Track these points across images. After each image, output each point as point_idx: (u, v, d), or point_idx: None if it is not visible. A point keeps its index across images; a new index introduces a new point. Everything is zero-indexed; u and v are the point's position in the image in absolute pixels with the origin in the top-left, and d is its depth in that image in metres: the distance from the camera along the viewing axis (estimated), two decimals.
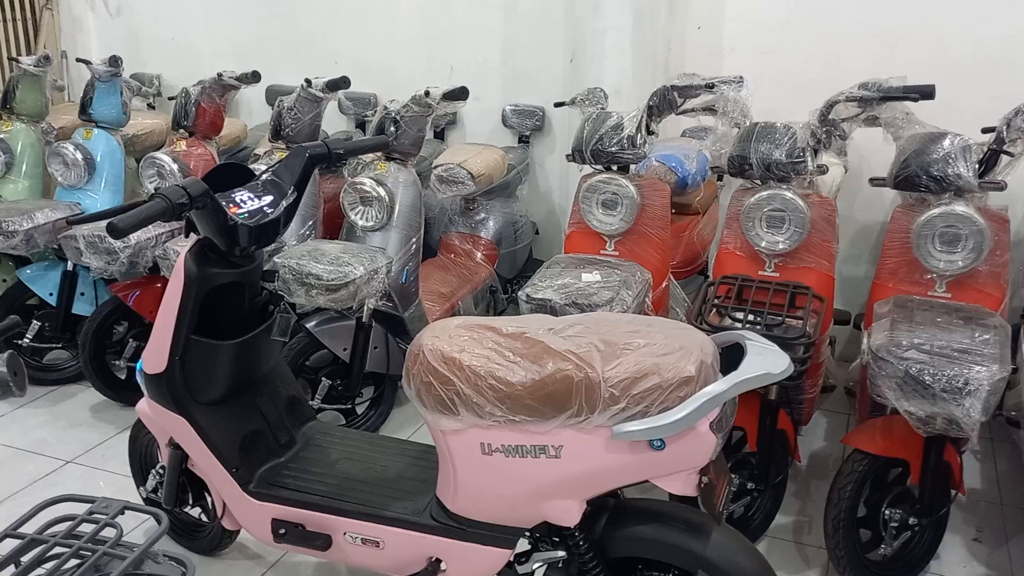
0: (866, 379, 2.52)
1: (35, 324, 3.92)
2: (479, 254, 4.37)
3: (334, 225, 3.94)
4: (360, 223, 3.52)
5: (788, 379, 1.96)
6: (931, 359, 2.36)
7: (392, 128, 3.51)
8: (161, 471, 2.66)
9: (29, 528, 1.49)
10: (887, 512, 2.65)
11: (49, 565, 1.44)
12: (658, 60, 4.27)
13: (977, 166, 2.77)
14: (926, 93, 2.81)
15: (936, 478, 2.61)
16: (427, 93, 3.54)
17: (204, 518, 2.79)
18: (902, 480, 2.71)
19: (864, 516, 2.70)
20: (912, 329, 2.52)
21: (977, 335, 2.49)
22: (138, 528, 2.75)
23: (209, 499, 2.61)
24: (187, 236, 2.28)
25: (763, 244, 2.97)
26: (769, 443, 2.83)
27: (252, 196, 2.28)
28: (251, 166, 3.48)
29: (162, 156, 3.86)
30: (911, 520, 2.63)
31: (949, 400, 2.31)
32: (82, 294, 3.94)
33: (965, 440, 2.61)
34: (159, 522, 1.53)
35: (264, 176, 2.37)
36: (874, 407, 2.82)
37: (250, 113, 5.44)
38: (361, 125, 5.04)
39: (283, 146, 3.84)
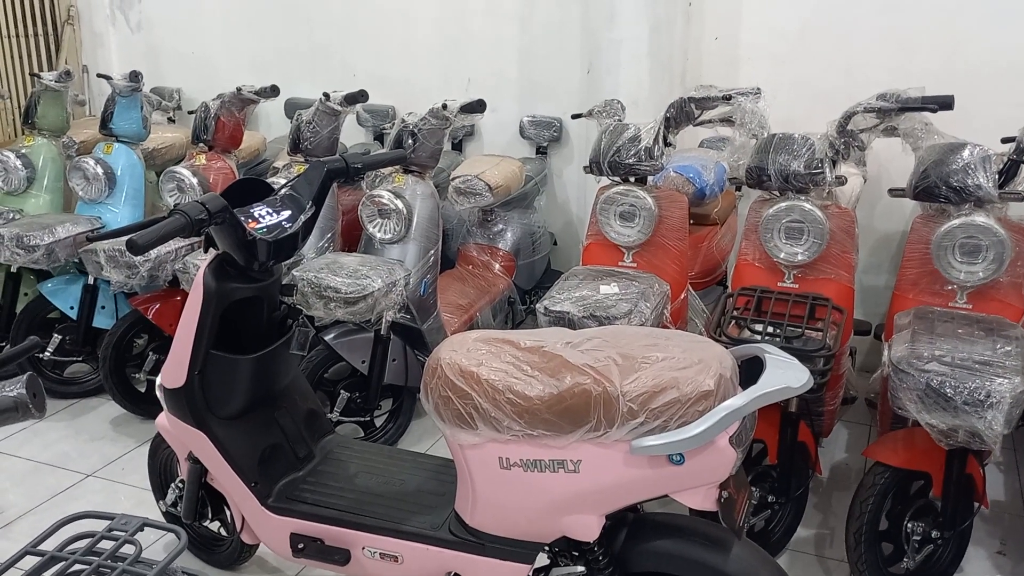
0: (887, 391, 2.50)
1: (56, 338, 3.94)
2: (497, 265, 4.37)
3: (352, 237, 3.95)
4: (378, 235, 3.53)
5: (808, 391, 1.95)
6: (952, 371, 2.34)
7: (410, 141, 3.53)
8: (180, 485, 2.67)
9: (48, 545, 1.49)
10: (909, 525, 2.63)
11: None
12: (675, 71, 4.26)
13: (997, 176, 2.74)
14: (945, 104, 2.80)
15: (959, 491, 2.58)
16: (444, 106, 3.56)
17: (223, 532, 2.80)
18: (924, 493, 2.69)
19: (886, 529, 2.68)
20: (933, 341, 2.50)
21: (999, 347, 2.46)
22: (157, 543, 2.76)
23: (228, 513, 2.62)
24: (206, 251, 2.29)
25: (782, 255, 2.96)
26: (790, 456, 2.81)
27: (270, 211, 2.29)
28: (270, 179, 3.50)
29: (182, 170, 3.88)
30: (934, 533, 2.61)
31: (971, 412, 2.28)
32: (102, 307, 3.96)
33: (988, 452, 2.58)
34: (178, 538, 1.53)
35: (282, 191, 2.38)
36: (895, 419, 2.79)
37: (269, 126, 5.47)
38: (379, 137, 5.06)
39: (302, 159, 3.85)
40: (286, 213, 2.31)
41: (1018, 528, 3.13)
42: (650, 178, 3.25)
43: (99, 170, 3.96)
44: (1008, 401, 2.26)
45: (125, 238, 1.99)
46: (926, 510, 2.67)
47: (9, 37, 5.47)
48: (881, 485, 2.61)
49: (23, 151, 4.23)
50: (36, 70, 5.47)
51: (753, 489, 2.72)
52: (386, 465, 2.52)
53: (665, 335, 2.08)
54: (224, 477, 2.39)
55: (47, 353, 3.93)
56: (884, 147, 3.60)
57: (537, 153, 4.86)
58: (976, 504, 2.66)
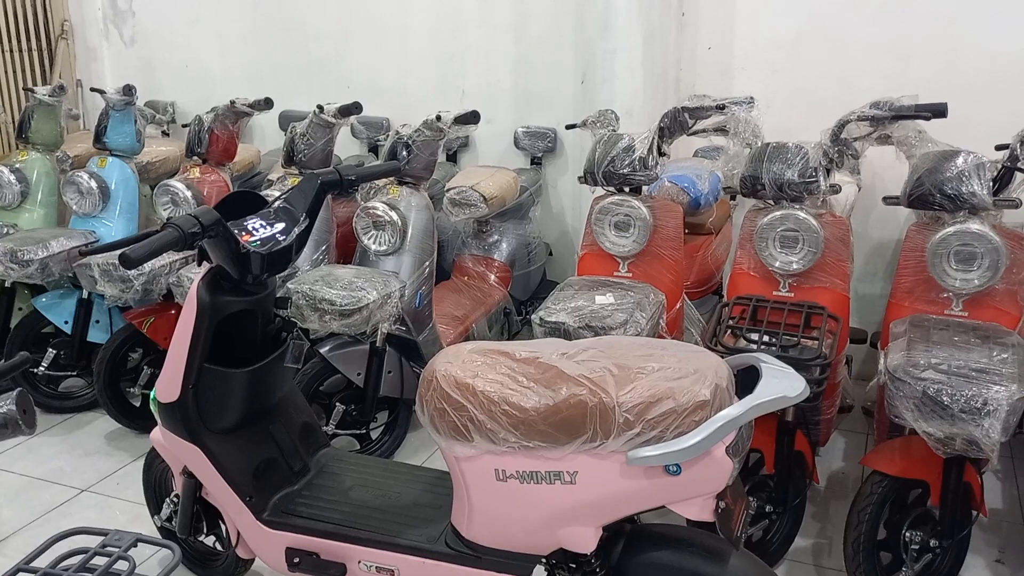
0: (883, 400, 2.50)
1: (50, 352, 3.93)
2: (492, 276, 4.37)
3: (347, 249, 3.95)
4: (373, 247, 3.52)
5: (805, 400, 1.94)
6: (949, 379, 2.34)
7: (404, 153, 3.53)
8: (175, 500, 2.65)
9: (42, 561, 1.49)
10: (908, 534, 2.62)
11: None
12: (669, 80, 4.27)
13: (991, 183, 2.75)
14: (938, 111, 2.80)
15: (956, 499, 2.57)
16: (439, 117, 3.56)
17: (219, 547, 2.78)
18: (922, 502, 2.68)
19: (884, 538, 2.67)
20: (929, 349, 2.50)
21: (995, 354, 2.46)
22: (152, 558, 2.75)
23: (223, 528, 2.60)
24: (200, 265, 2.28)
25: (777, 264, 2.96)
26: (787, 465, 2.80)
27: (264, 224, 2.28)
28: (264, 192, 3.50)
29: (176, 183, 3.88)
30: (932, 542, 2.60)
31: (968, 420, 2.28)
32: (97, 322, 3.95)
33: (985, 460, 2.57)
34: (173, 554, 1.52)
35: (276, 203, 2.38)
36: (892, 427, 2.79)
37: (264, 139, 5.47)
38: (374, 149, 5.07)
39: (296, 172, 3.85)
40: (280, 226, 2.31)
41: (1016, 536, 3.12)
42: (645, 188, 3.25)
43: (93, 184, 3.96)
44: (1005, 409, 2.26)
45: (118, 252, 1.98)
46: (924, 519, 2.66)
47: (3, 52, 5.47)
48: (879, 494, 2.60)
49: (17, 166, 4.22)
50: (30, 84, 5.46)
51: (750, 499, 2.71)
52: (382, 478, 2.51)
53: (661, 345, 2.08)
54: (219, 491, 2.38)
55: (41, 368, 3.92)
56: (878, 155, 3.61)
57: (532, 164, 4.86)
58: (974, 512, 2.65)
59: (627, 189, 3.22)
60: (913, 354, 2.46)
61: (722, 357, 2.03)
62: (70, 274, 3.84)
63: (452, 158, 5.03)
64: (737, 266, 3.10)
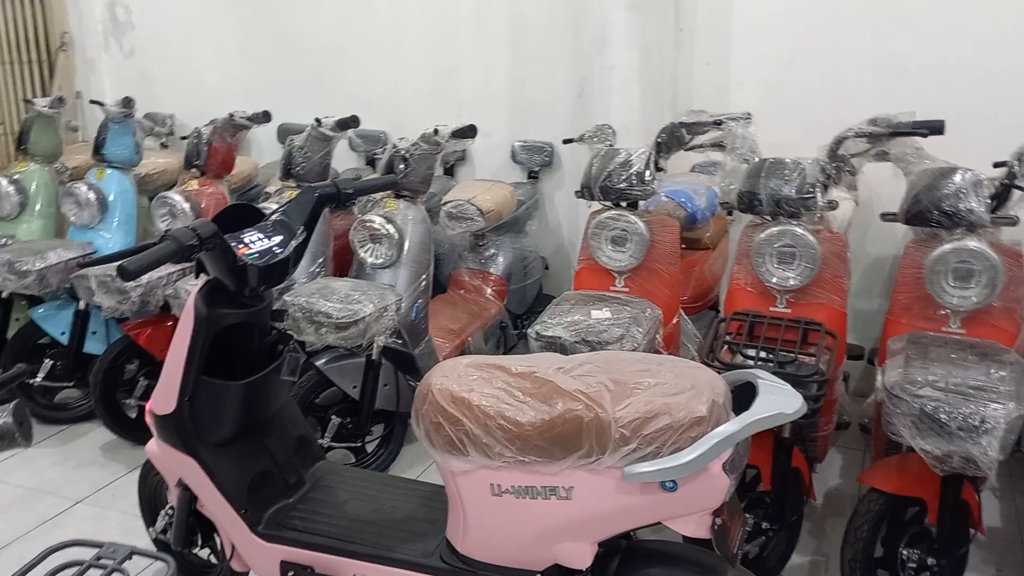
0: (881, 417, 2.49)
1: (47, 363, 3.92)
2: (489, 290, 4.37)
3: (344, 262, 3.95)
4: (370, 260, 3.53)
5: (802, 417, 1.94)
6: (946, 396, 2.33)
7: (401, 166, 3.53)
8: (170, 512, 2.64)
9: (36, 574, 1.48)
10: (905, 552, 2.61)
11: None
12: (666, 96, 4.28)
13: (989, 201, 2.75)
14: (935, 128, 2.81)
15: (954, 517, 2.56)
16: (436, 131, 3.57)
17: (213, 560, 2.76)
18: (919, 519, 2.67)
19: (881, 556, 2.66)
20: (926, 366, 2.49)
21: (992, 372, 2.45)
22: (146, 571, 2.73)
23: (218, 540, 2.59)
24: (197, 277, 2.28)
25: (774, 280, 2.96)
26: (783, 481, 2.79)
27: (261, 236, 2.28)
28: (262, 204, 3.50)
29: (174, 195, 3.89)
30: (929, 560, 2.58)
31: (965, 438, 2.27)
32: (93, 333, 3.95)
33: (983, 479, 2.57)
34: (167, 566, 1.51)
35: (274, 216, 2.38)
36: (890, 444, 2.78)
37: (261, 152, 5.47)
38: (371, 162, 5.07)
39: (294, 184, 3.86)
40: (277, 238, 2.31)
41: (1015, 554, 3.11)
42: (641, 203, 3.26)
43: (91, 196, 3.96)
44: (1003, 427, 2.25)
45: (116, 264, 1.98)
46: (921, 537, 2.65)
47: (3, 63, 5.48)
48: (876, 511, 2.59)
49: (16, 177, 4.22)
50: (29, 96, 5.47)
51: (747, 516, 2.70)
52: (377, 492, 2.50)
53: (657, 360, 2.08)
54: (214, 504, 2.37)
55: (37, 379, 3.91)
56: (875, 172, 3.61)
57: (528, 178, 4.87)
58: (972, 531, 2.64)
59: (624, 204, 3.22)
60: (911, 371, 2.46)
61: (719, 373, 2.03)
62: (67, 285, 3.84)
63: (449, 172, 5.04)
64: (734, 282, 3.10)
